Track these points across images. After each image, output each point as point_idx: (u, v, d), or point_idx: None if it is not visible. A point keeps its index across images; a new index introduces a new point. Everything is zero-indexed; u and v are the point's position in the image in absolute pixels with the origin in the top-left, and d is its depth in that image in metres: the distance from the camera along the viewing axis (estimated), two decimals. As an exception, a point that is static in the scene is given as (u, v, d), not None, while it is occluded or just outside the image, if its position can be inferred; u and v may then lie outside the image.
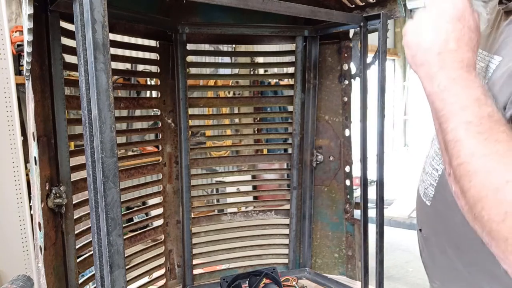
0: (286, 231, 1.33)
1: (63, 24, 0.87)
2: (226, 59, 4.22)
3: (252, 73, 2.59)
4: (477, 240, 0.63)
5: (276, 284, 1.06)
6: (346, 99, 1.26)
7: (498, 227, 0.58)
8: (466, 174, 0.64)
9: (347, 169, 1.27)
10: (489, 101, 0.69)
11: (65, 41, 0.88)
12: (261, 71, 3.70)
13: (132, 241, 1.13)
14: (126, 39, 1.11)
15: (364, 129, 1.07)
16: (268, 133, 1.47)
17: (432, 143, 1.01)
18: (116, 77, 2.44)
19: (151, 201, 1.26)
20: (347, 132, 1.26)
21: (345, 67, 1.24)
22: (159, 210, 1.22)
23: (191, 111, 1.21)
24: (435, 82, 0.72)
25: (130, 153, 3.70)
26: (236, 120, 4.59)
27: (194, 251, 1.25)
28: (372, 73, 1.06)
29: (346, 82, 1.25)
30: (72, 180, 0.90)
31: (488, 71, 0.81)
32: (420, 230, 0.98)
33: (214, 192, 3.67)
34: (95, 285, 0.72)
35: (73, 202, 0.91)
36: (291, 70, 1.31)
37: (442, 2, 0.76)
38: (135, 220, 1.31)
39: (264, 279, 1.08)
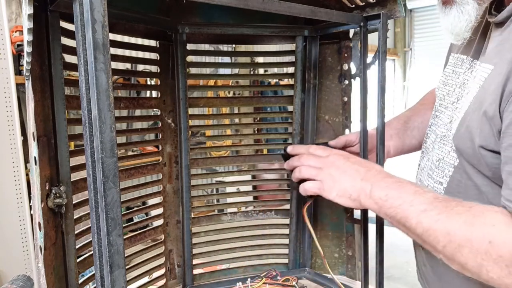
0: (286, 231, 1.33)
1: (63, 24, 0.87)
2: (226, 59, 4.22)
3: (252, 73, 2.60)
4: None
5: None
6: (346, 99, 1.26)
7: (509, 280, 0.64)
8: (455, 251, 0.70)
9: (347, 169, 1.27)
10: (424, 188, 0.79)
11: (65, 41, 0.88)
12: (261, 71, 3.70)
13: (132, 241, 1.13)
14: (126, 39, 1.11)
15: (364, 129, 1.07)
16: (268, 133, 1.47)
17: (427, 155, 1.00)
18: (116, 77, 2.45)
19: (151, 201, 1.26)
20: (347, 132, 1.26)
21: (345, 67, 1.24)
22: (159, 210, 1.22)
23: (191, 111, 1.21)
24: (375, 198, 0.82)
25: (130, 153, 3.70)
26: (236, 120, 4.60)
27: (194, 251, 1.25)
28: (372, 73, 1.06)
29: (346, 82, 1.25)
30: (72, 180, 0.90)
31: (476, 77, 0.83)
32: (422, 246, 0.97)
33: (214, 192, 3.67)
34: (95, 285, 0.72)
35: (73, 202, 0.91)
36: (291, 70, 1.31)
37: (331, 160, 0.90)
38: (135, 220, 1.31)
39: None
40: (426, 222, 0.72)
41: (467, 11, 0.79)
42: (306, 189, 0.91)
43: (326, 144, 1.10)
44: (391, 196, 0.79)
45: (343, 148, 1.10)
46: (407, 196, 0.76)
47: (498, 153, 0.73)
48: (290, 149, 0.98)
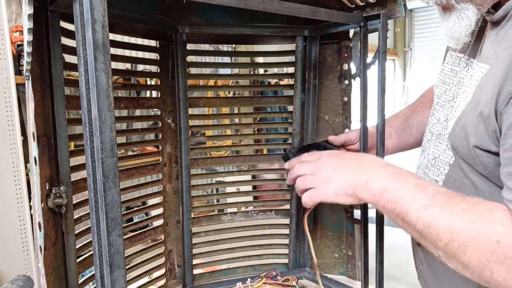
0: (286, 231, 1.33)
1: (63, 24, 0.87)
2: (226, 59, 4.22)
3: (252, 73, 2.59)
4: None
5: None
6: (346, 99, 1.26)
7: None
8: (458, 249, 0.66)
9: (347, 169, 1.27)
10: (425, 180, 0.76)
11: (65, 41, 0.88)
12: (261, 71, 3.70)
13: (132, 241, 1.13)
14: (126, 39, 1.11)
15: (364, 129, 1.07)
16: (268, 133, 1.47)
17: (423, 153, 1.00)
18: (116, 77, 2.44)
19: (151, 201, 1.26)
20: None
21: (345, 67, 1.24)
22: (159, 210, 1.22)
23: (191, 111, 1.21)
24: (372, 190, 0.78)
25: (130, 153, 3.71)
26: (236, 120, 4.60)
27: (194, 251, 1.25)
28: (372, 73, 1.06)
29: (346, 82, 1.25)
30: (72, 180, 0.90)
31: (473, 76, 0.83)
32: (419, 244, 0.96)
33: (214, 192, 3.67)
34: (95, 285, 0.72)
35: (73, 202, 0.91)
36: (291, 70, 1.31)
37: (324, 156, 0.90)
38: (135, 220, 1.31)
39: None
40: (428, 218, 0.69)
41: (467, 16, 0.79)
42: (304, 202, 0.91)
43: (326, 141, 1.10)
44: (389, 188, 0.75)
45: (343, 145, 1.10)
46: (408, 190, 0.73)
47: (493, 153, 0.73)
48: (287, 166, 0.99)
